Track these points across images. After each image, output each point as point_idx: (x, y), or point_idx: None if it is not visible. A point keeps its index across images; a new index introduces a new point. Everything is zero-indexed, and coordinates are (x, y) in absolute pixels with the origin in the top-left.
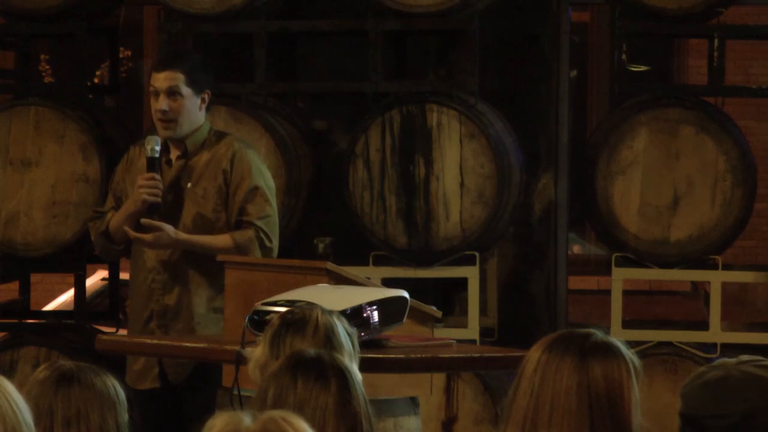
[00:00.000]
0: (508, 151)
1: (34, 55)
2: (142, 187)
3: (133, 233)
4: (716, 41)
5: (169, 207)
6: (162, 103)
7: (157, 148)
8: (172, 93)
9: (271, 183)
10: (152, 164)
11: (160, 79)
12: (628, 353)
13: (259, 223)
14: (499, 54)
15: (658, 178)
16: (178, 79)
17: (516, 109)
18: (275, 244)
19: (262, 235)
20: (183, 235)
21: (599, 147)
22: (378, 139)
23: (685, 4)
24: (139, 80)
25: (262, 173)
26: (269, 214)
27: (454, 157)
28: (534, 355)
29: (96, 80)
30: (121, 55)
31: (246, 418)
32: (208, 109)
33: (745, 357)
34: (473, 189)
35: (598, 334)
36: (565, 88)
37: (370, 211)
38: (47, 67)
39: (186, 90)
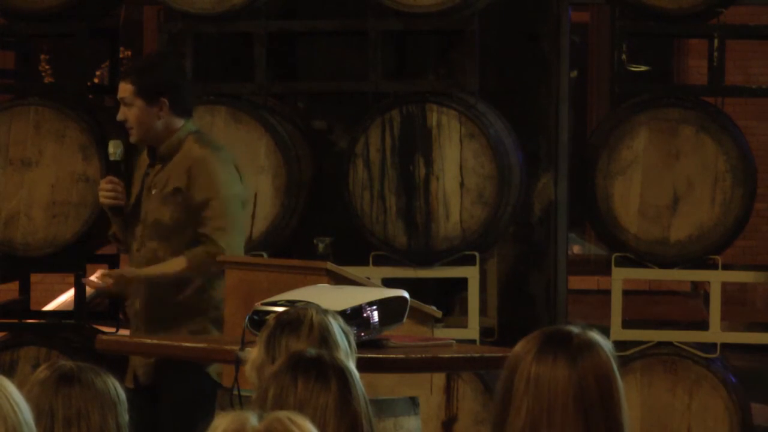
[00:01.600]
0: (508, 151)
1: (34, 55)
2: (101, 190)
3: (87, 280)
4: (716, 41)
5: (137, 210)
6: (120, 113)
7: (117, 151)
8: (126, 103)
9: (234, 189)
10: (113, 167)
11: (119, 91)
12: (609, 345)
13: (213, 236)
14: (499, 54)
15: (658, 178)
16: (128, 90)
17: (516, 109)
18: (234, 252)
19: (214, 249)
20: (137, 272)
21: (599, 147)
22: (378, 139)
23: (685, 4)
24: None
25: (220, 182)
26: (221, 227)
27: (454, 157)
28: (525, 364)
29: (96, 80)
30: (121, 55)
31: (252, 418)
32: (188, 113)
33: None
34: (473, 189)
35: (576, 330)
36: (565, 88)
37: (370, 211)
38: (47, 67)
39: (136, 100)
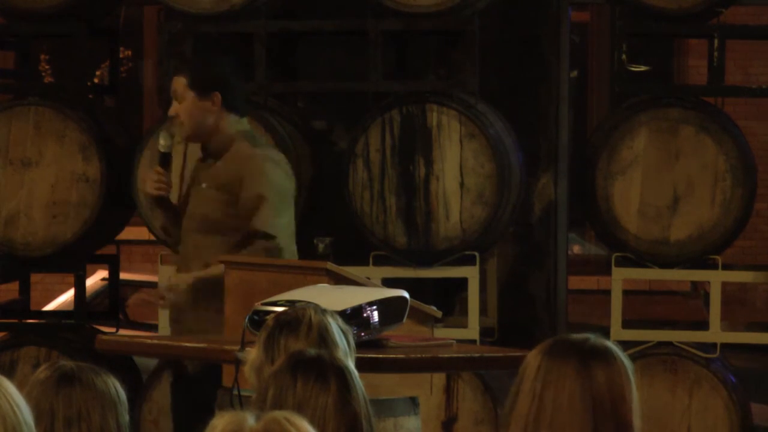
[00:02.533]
0: (508, 151)
1: (34, 55)
2: (149, 180)
3: (161, 303)
4: (716, 41)
5: (184, 204)
6: (172, 108)
7: (166, 143)
8: (178, 97)
9: (285, 186)
10: (162, 159)
11: (172, 86)
12: (624, 356)
13: (267, 230)
14: (499, 54)
15: (658, 178)
16: (181, 83)
17: (516, 109)
18: (287, 252)
19: (271, 244)
20: (191, 277)
21: (599, 147)
22: (378, 139)
23: (685, 4)
24: (139, 80)
25: (272, 180)
26: (274, 223)
27: (454, 157)
28: (533, 361)
29: (96, 80)
30: (121, 55)
31: (249, 418)
32: (240, 112)
33: None
34: (473, 189)
35: (594, 337)
36: (565, 88)
37: (370, 211)
38: (47, 67)
39: (188, 92)
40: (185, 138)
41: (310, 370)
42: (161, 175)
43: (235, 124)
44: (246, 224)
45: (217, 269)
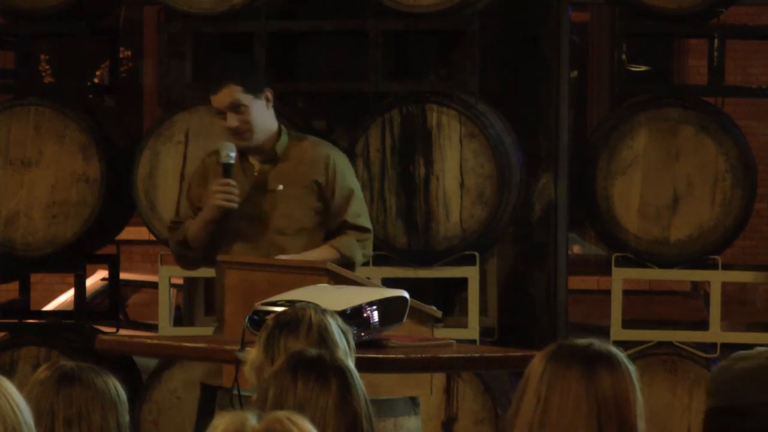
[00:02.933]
0: (508, 151)
1: (34, 55)
2: (217, 192)
3: (282, 259)
4: (716, 41)
5: (258, 211)
6: (231, 121)
7: (232, 154)
8: (236, 106)
9: (356, 180)
10: (227, 170)
11: (219, 99)
12: (629, 361)
13: (358, 222)
14: (499, 54)
15: (658, 178)
16: (235, 91)
17: (516, 109)
18: (371, 246)
19: (364, 235)
20: (291, 258)
21: (599, 147)
22: (378, 139)
23: (685, 4)
24: (139, 80)
25: (354, 177)
26: (364, 214)
27: (454, 157)
28: (538, 365)
29: (96, 80)
30: (121, 55)
31: (251, 418)
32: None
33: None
34: (473, 189)
35: (598, 342)
36: (565, 89)
37: (370, 211)
38: (47, 67)
39: (247, 98)
40: (250, 146)
41: (310, 370)
42: (231, 186)
43: (279, 123)
44: (336, 220)
45: (320, 254)
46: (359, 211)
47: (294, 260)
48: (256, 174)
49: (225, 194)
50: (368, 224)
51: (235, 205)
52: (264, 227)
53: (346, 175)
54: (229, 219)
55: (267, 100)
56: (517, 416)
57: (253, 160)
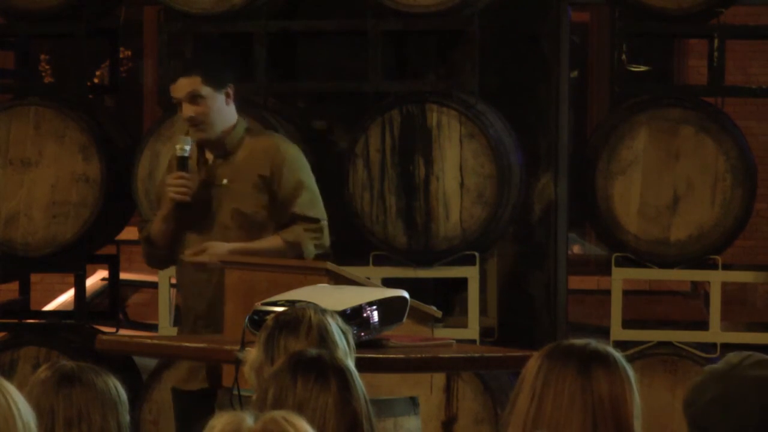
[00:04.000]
0: (508, 151)
1: (34, 55)
2: (171, 186)
3: (189, 258)
4: (716, 41)
5: (207, 205)
6: (187, 111)
7: (187, 147)
8: (193, 97)
9: (310, 168)
10: (181, 163)
11: (178, 89)
12: (626, 362)
13: (308, 213)
14: (499, 54)
15: (658, 178)
16: (194, 82)
17: (516, 109)
18: (326, 236)
19: (312, 225)
20: (234, 245)
21: (599, 147)
22: (378, 139)
23: (685, 4)
24: (139, 80)
25: (304, 165)
26: (314, 205)
27: (454, 157)
28: (534, 363)
29: (96, 80)
30: (121, 55)
31: (247, 418)
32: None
33: (734, 358)
34: (473, 189)
35: (595, 342)
36: (565, 88)
37: (370, 211)
38: (47, 67)
39: (206, 90)
40: (208, 139)
41: (310, 370)
42: (185, 179)
43: (242, 118)
44: (286, 212)
45: (266, 243)
46: (309, 203)
47: (238, 248)
48: (206, 168)
49: (177, 187)
50: (319, 215)
51: (188, 198)
52: (211, 221)
53: (295, 168)
54: (185, 213)
55: (228, 95)
56: (512, 413)
57: (209, 155)
